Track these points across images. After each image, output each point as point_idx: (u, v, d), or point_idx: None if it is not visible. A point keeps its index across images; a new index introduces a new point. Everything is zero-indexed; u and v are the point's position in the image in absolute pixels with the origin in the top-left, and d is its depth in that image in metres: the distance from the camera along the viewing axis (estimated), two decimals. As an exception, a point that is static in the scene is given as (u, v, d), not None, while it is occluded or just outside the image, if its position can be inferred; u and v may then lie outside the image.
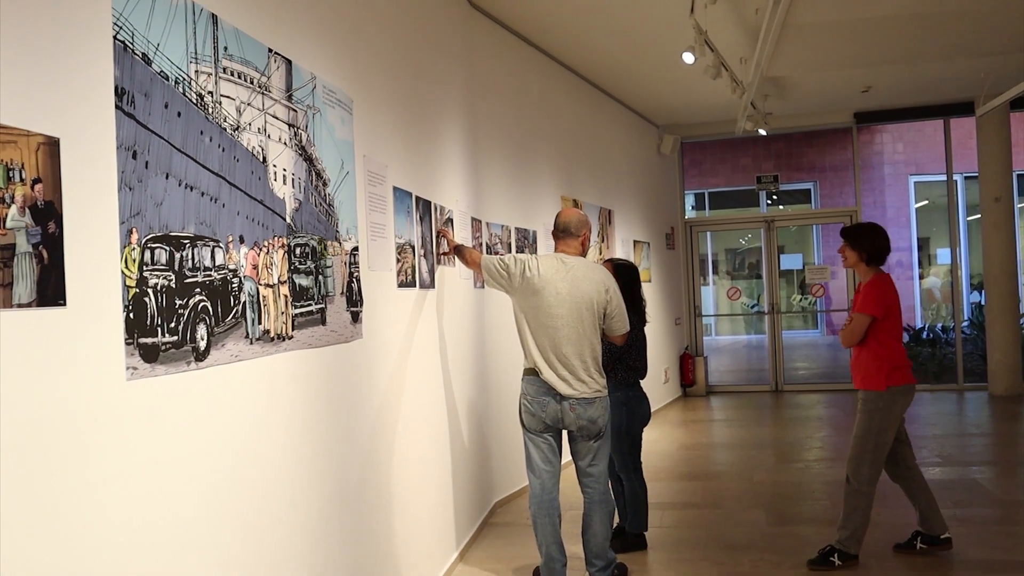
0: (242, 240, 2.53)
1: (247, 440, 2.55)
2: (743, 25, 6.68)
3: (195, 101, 2.30)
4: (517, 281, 4.07)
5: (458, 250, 4.65)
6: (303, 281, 2.96)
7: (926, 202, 17.71)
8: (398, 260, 4.07)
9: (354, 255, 3.47)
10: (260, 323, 2.63)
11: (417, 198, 4.43)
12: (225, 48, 2.48)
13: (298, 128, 2.97)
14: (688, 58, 6.13)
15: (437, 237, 4.77)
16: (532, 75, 7.18)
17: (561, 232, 4.23)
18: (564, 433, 4.21)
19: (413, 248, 4.31)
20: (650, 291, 10.48)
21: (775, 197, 17.06)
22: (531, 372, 4.06)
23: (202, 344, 2.28)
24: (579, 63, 7.94)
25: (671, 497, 6.14)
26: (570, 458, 4.26)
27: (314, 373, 3.04)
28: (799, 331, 20.62)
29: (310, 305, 3.01)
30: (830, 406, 10.24)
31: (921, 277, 17.31)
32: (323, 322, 3.11)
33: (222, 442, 2.40)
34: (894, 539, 4.76)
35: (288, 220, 2.87)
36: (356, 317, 3.45)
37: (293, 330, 2.86)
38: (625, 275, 4.94)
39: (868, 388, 4.42)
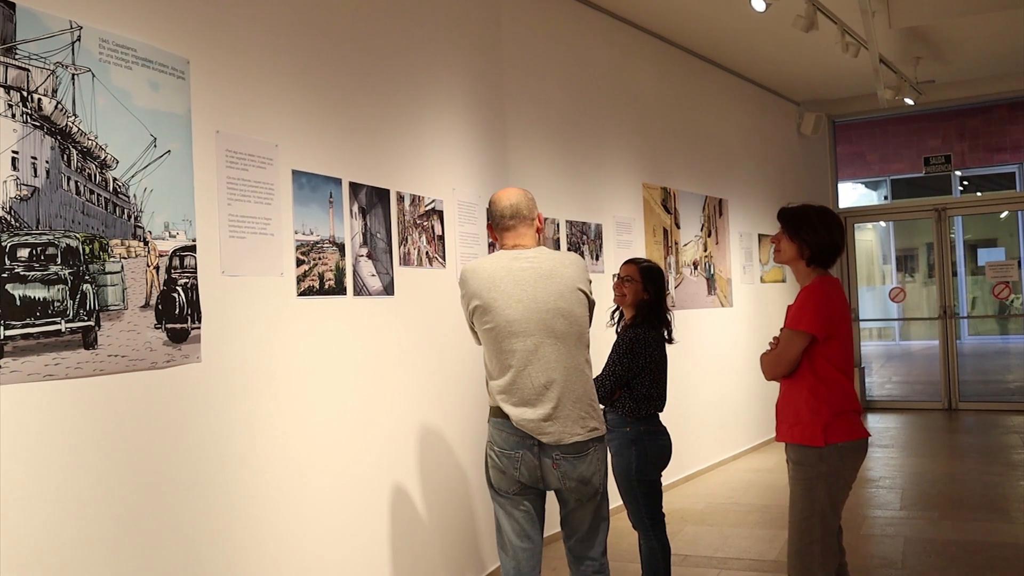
0: None
1: None
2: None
3: None
4: (471, 318, 3.02)
5: None
6: (35, 292, 2.25)
7: None
8: (301, 262, 3.29)
9: (181, 257, 2.73)
10: (-99, 351, 1.94)
11: (355, 185, 3.64)
12: None
13: (31, 92, 2.26)
14: (758, 5, 4.92)
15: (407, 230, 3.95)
16: (597, 44, 6.16)
17: (509, 219, 3.00)
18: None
19: (340, 247, 3.52)
20: (787, 292, 9.09)
21: (966, 183, 14.72)
22: (500, 413, 2.95)
23: None
24: (670, 28, 6.79)
25: (739, 550, 4.96)
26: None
27: (61, 413, 2.31)
28: (1012, 336, 17.75)
29: (55, 324, 2.30)
30: (1010, 431, 8.39)
31: None
32: (88, 345, 2.38)
33: None
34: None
35: (-2, 212, 2.17)
36: (181, 336, 2.70)
37: (2, 358, 2.16)
38: (656, 281, 3.89)
39: (801, 443, 3.08)
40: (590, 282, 3.05)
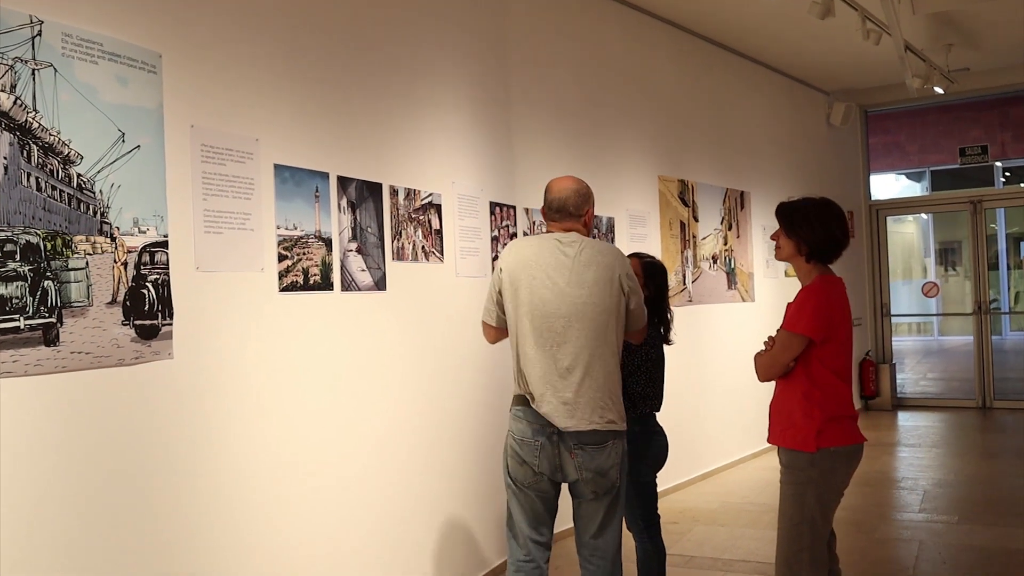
0: None
1: None
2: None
3: None
4: (498, 293, 3.04)
5: None
6: (-8, 289, 2.24)
7: None
8: (284, 257, 3.26)
9: (151, 253, 2.71)
10: None
11: (344, 179, 3.60)
12: None
13: (-12, 87, 2.25)
14: (770, -9, 4.77)
15: (400, 224, 3.90)
16: (609, 31, 6.03)
17: (555, 212, 3.07)
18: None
19: (326, 241, 3.48)
20: (812, 287, 8.88)
21: (1008, 174, 14.27)
22: (522, 401, 2.95)
23: None
24: (688, 16, 6.63)
25: (748, 552, 4.84)
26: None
27: (21, 410, 2.30)
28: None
29: (13, 321, 2.29)
30: (1046, 433, 8.14)
31: None
32: (50, 342, 2.37)
33: None
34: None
35: (-49, 209, 2.16)
36: (151, 332, 2.68)
37: (-45, 355, 2.15)
38: (658, 278, 3.83)
39: (792, 447, 2.99)
40: (631, 276, 3.06)
